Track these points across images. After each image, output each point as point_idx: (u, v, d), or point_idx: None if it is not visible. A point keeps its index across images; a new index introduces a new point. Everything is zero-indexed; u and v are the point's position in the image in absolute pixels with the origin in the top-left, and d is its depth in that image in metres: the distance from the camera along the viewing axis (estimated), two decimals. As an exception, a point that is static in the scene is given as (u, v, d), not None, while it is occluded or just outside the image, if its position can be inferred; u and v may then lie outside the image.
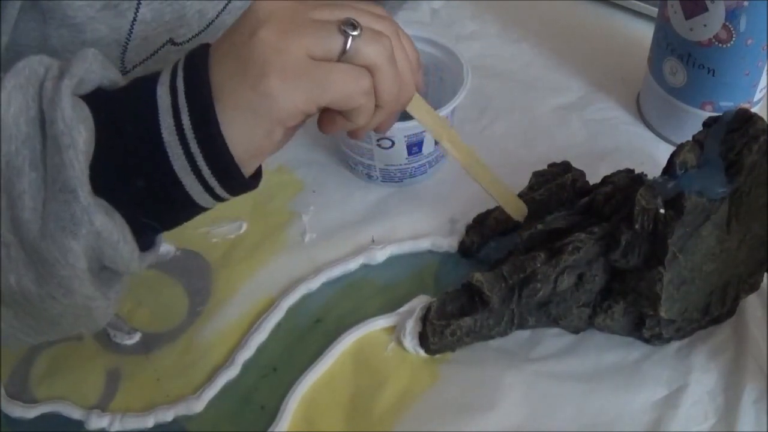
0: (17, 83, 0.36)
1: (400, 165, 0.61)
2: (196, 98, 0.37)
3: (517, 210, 0.55)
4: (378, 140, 0.58)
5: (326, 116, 0.42)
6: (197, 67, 0.38)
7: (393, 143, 0.58)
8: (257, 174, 0.41)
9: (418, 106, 0.48)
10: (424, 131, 0.58)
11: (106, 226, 0.36)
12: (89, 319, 0.40)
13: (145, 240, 0.40)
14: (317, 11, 0.39)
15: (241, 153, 0.38)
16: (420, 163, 0.61)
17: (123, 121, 0.37)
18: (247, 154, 0.39)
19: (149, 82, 0.38)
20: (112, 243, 0.37)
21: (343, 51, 0.39)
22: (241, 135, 0.38)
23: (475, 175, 0.53)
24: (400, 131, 0.57)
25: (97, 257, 0.37)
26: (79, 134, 0.35)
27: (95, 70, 0.38)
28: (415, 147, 0.59)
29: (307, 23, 0.38)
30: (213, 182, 0.38)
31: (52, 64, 0.38)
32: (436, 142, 0.60)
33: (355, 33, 0.38)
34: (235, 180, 0.39)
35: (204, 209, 0.40)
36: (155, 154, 0.37)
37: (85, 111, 0.36)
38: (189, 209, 0.40)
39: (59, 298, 0.37)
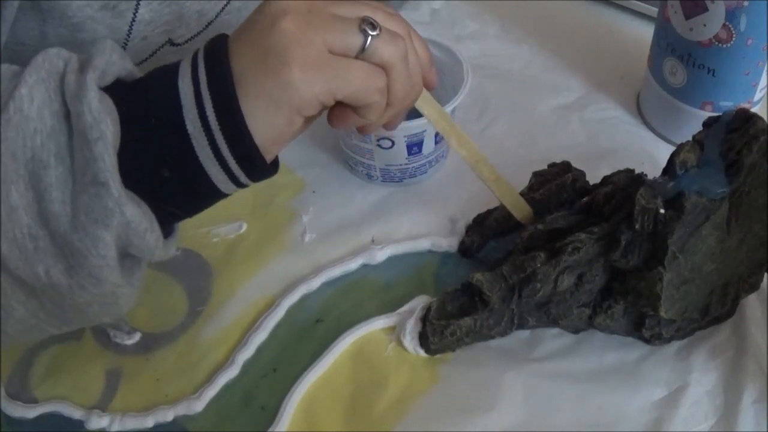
0: (39, 77, 0.36)
1: (400, 165, 0.61)
2: (218, 89, 0.38)
3: (521, 211, 0.55)
4: (378, 140, 0.58)
5: (337, 111, 0.43)
6: (218, 58, 0.38)
7: (393, 143, 0.58)
8: (275, 160, 0.42)
9: (427, 103, 0.49)
10: (424, 131, 0.58)
11: (135, 216, 0.37)
12: (115, 306, 0.41)
13: (167, 227, 0.41)
14: (336, 7, 0.40)
15: (264, 141, 0.39)
16: (420, 163, 0.61)
17: (146, 113, 0.38)
18: (269, 141, 0.39)
19: (170, 74, 0.38)
20: (140, 232, 0.38)
21: (362, 49, 0.40)
22: (263, 123, 0.39)
23: (480, 173, 0.53)
24: (400, 131, 0.57)
25: (124, 246, 0.38)
26: (107, 127, 0.36)
27: (115, 61, 0.39)
28: (415, 147, 0.59)
29: (328, 18, 0.39)
30: (237, 171, 0.39)
31: (70, 57, 0.38)
32: (437, 142, 0.60)
33: (374, 33, 0.40)
34: (259, 168, 0.40)
35: (226, 195, 0.41)
36: (180, 145, 0.38)
37: (110, 104, 0.37)
38: (212, 196, 0.41)
39: (89, 288, 0.38)
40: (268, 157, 0.40)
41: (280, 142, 0.40)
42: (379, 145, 0.59)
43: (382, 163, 0.60)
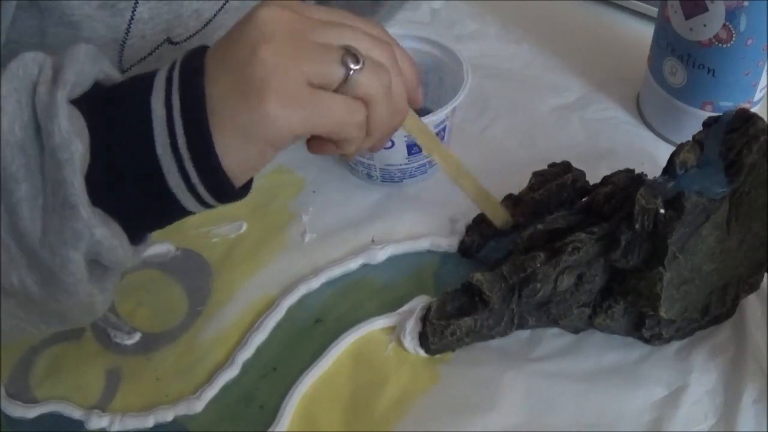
0: (11, 88, 0.36)
1: (400, 165, 0.61)
2: (191, 117, 0.37)
3: (502, 220, 0.56)
4: None
5: (316, 141, 0.43)
6: (193, 81, 0.37)
7: (393, 143, 0.58)
8: (248, 183, 0.42)
9: (410, 122, 0.48)
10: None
11: (105, 237, 0.37)
12: (91, 310, 0.41)
13: (137, 238, 0.41)
14: (318, 31, 0.39)
15: (234, 170, 0.38)
16: (420, 163, 0.61)
17: (117, 133, 0.37)
18: (239, 171, 0.39)
19: (144, 90, 0.38)
20: (110, 248, 0.37)
21: (343, 82, 0.39)
22: (235, 154, 0.38)
23: (462, 187, 0.54)
24: (399, 132, 0.57)
25: (94, 258, 0.38)
26: (76, 149, 0.35)
27: (87, 70, 0.38)
28: (415, 147, 0.59)
29: (309, 47, 0.38)
30: (206, 196, 0.39)
31: (45, 62, 0.37)
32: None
33: (356, 67, 0.39)
34: (228, 193, 0.39)
35: (194, 213, 0.41)
36: (149, 167, 0.37)
37: (81, 122, 0.36)
38: (180, 214, 0.40)
39: (62, 299, 0.38)
40: (238, 184, 0.40)
41: (251, 171, 0.40)
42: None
43: (382, 163, 0.60)
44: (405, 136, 0.58)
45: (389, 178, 0.62)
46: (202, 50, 0.39)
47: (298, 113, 0.38)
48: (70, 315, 0.40)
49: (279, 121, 0.37)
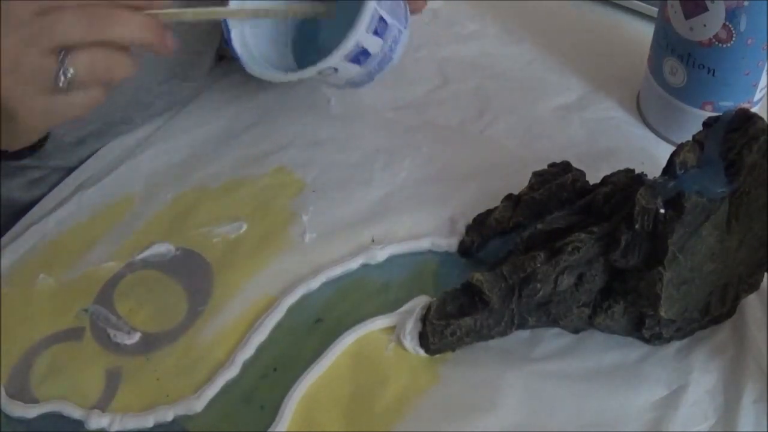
0: None
1: (359, 73, 0.57)
2: None
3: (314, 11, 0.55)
4: (319, 73, 0.55)
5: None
6: None
7: (337, 69, 0.55)
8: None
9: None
10: (358, 43, 0.53)
11: None
12: None
13: None
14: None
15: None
16: (379, 59, 0.57)
17: None
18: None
19: None
20: None
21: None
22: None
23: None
24: (335, 59, 0.53)
25: None
26: None
27: None
28: (361, 56, 0.55)
29: None
30: None
31: None
32: (379, 35, 0.54)
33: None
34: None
35: None
36: None
37: None
38: None
39: None
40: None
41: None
42: (327, 74, 0.56)
43: (342, 81, 0.58)
44: (343, 58, 0.54)
45: (359, 84, 0.59)
46: None
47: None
48: None
49: None
